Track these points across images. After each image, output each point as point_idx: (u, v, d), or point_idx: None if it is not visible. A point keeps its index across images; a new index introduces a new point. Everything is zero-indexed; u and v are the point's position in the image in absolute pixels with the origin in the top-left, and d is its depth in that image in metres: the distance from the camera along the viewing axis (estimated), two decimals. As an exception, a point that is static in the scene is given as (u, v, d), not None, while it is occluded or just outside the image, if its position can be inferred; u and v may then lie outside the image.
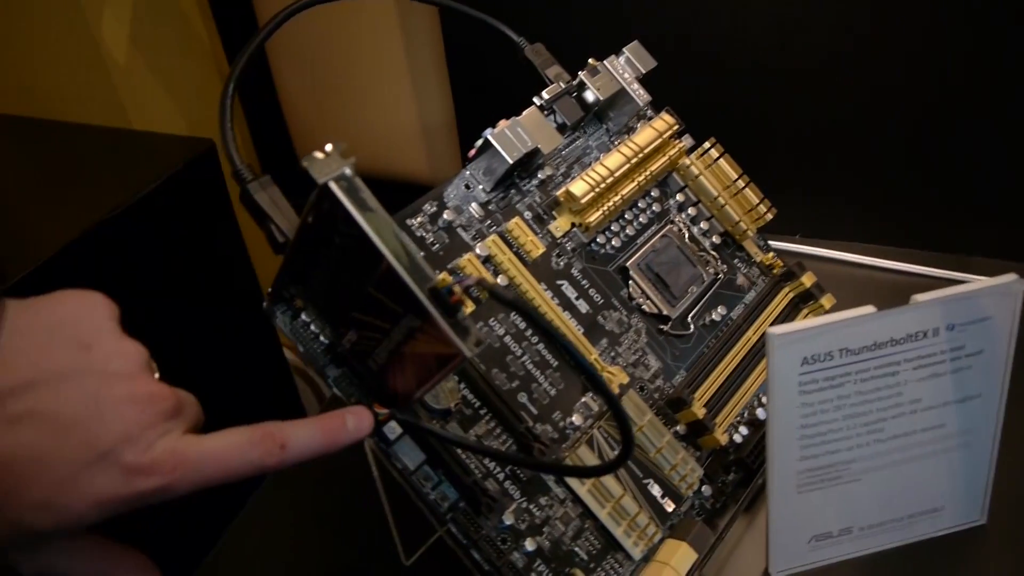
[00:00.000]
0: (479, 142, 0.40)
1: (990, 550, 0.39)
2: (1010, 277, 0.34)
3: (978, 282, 0.34)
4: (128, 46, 0.90)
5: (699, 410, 0.40)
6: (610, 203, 0.42)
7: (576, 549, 0.36)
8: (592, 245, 0.43)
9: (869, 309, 0.33)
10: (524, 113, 0.41)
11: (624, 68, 0.45)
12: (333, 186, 0.27)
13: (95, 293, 0.29)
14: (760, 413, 0.43)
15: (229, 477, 0.28)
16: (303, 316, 0.35)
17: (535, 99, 0.42)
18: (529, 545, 0.35)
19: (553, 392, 0.39)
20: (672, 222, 0.46)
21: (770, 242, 0.48)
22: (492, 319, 0.38)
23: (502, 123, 0.40)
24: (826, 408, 0.35)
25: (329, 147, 0.28)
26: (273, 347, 0.93)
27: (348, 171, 0.28)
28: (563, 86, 0.44)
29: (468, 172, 0.41)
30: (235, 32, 0.84)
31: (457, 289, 0.27)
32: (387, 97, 0.75)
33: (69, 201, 0.69)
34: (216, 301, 0.81)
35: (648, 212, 0.45)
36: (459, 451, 0.35)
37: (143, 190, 0.69)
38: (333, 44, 0.74)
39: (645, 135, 0.44)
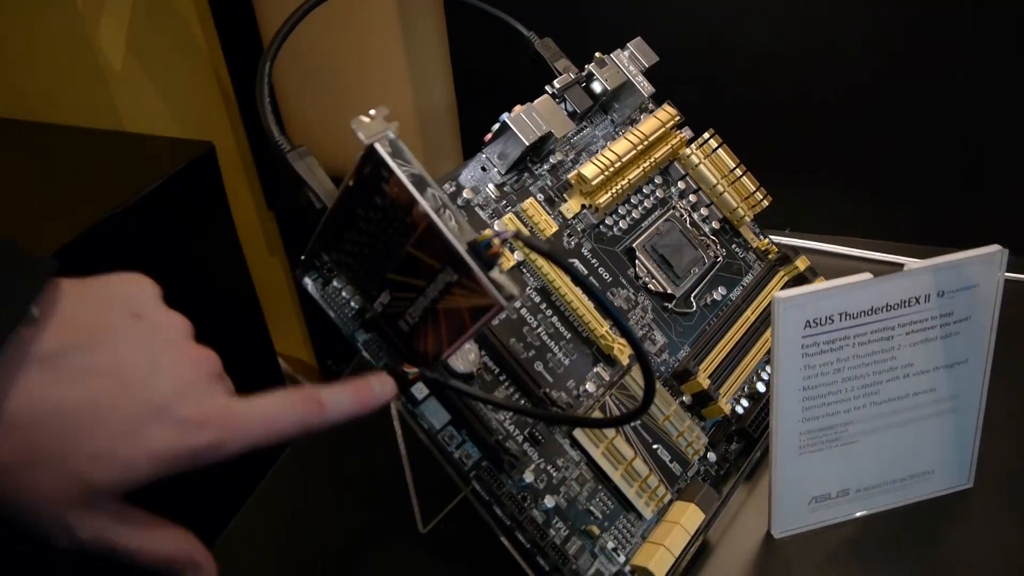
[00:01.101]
0: (495, 126, 0.42)
1: (976, 513, 0.42)
2: (994, 247, 0.36)
3: (965, 252, 0.36)
4: (125, 50, 0.91)
5: (704, 381, 0.42)
6: (618, 186, 0.45)
7: (591, 508, 0.38)
8: (601, 227, 0.45)
9: (866, 276, 0.36)
10: (538, 100, 0.43)
11: (628, 62, 0.48)
12: (378, 146, 0.29)
13: (141, 274, 0.31)
14: (760, 387, 0.45)
15: (275, 436, 0.30)
16: (334, 283, 0.36)
17: (547, 87, 0.45)
18: (548, 502, 0.37)
19: (567, 362, 0.40)
20: (674, 208, 0.48)
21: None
22: (509, 292, 0.40)
23: (518, 108, 0.42)
24: (826, 371, 0.37)
25: (374, 111, 0.30)
26: (267, 354, 0.94)
27: (392, 133, 0.30)
28: (573, 77, 0.46)
29: (484, 155, 0.43)
30: (235, 35, 0.86)
31: (495, 242, 0.29)
32: (386, 93, 0.77)
33: (68, 202, 0.70)
34: (212, 306, 0.82)
35: (652, 198, 0.48)
36: (482, 411, 0.37)
37: (143, 191, 0.71)
38: (333, 39, 0.76)
39: (649, 124, 0.47)
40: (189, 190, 0.76)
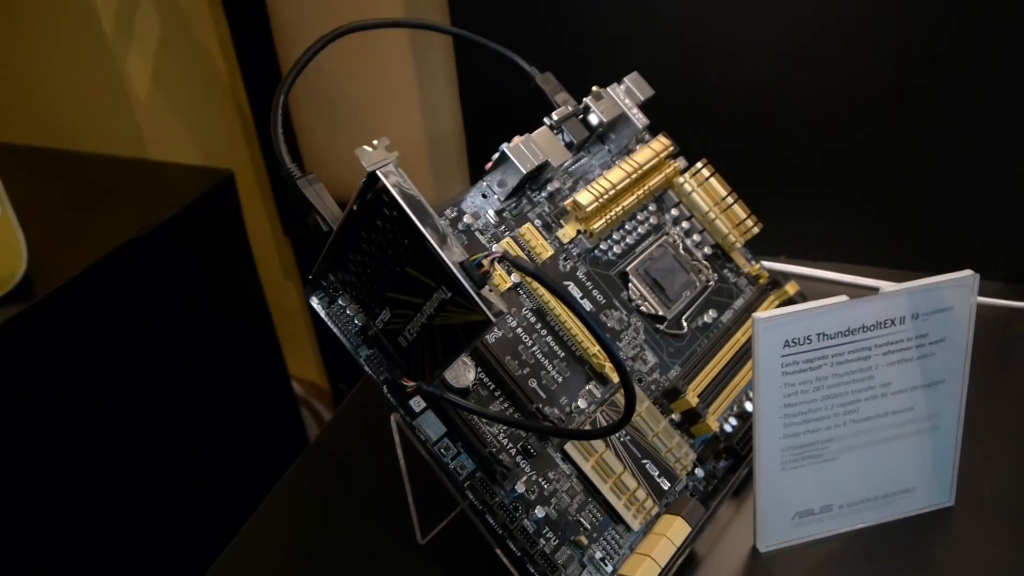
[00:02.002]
0: (495, 155, 0.45)
1: (958, 531, 0.43)
2: (966, 272, 0.38)
3: (939, 276, 0.38)
4: (150, 82, 0.95)
5: (693, 399, 0.44)
6: (612, 213, 0.47)
7: (581, 520, 0.40)
8: (596, 251, 0.47)
9: (843, 298, 0.38)
10: (536, 131, 0.46)
11: (624, 95, 0.50)
12: (380, 173, 0.32)
13: None
14: (748, 406, 0.47)
15: None
16: (339, 301, 0.39)
17: (545, 119, 0.47)
18: (539, 512, 0.39)
19: (560, 380, 0.42)
20: (668, 234, 0.50)
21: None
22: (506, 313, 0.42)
23: (516, 139, 0.45)
24: (806, 389, 0.39)
25: (376, 142, 0.32)
26: (281, 377, 0.96)
27: (392, 162, 0.32)
28: (570, 109, 0.48)
29: (485, 183, 0.45)
30: (256, 68, 0.90)
31: (485, 263, 0.31)
32: (398, 122, 0.80)
33: (93, 227, 0.73)
34: (228, 328, 0.85)
35: (646, 224, 0.50)
36: (476, 424, 0.39)
37: (164, 217, 0.74)
38: (349, 72, 0.80)
39: (643, 154, 0.49)
40: (208, 216, 0.80)
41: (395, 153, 0.32)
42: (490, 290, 0.32)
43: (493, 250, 0.31)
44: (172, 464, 0.75)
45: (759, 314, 0.37)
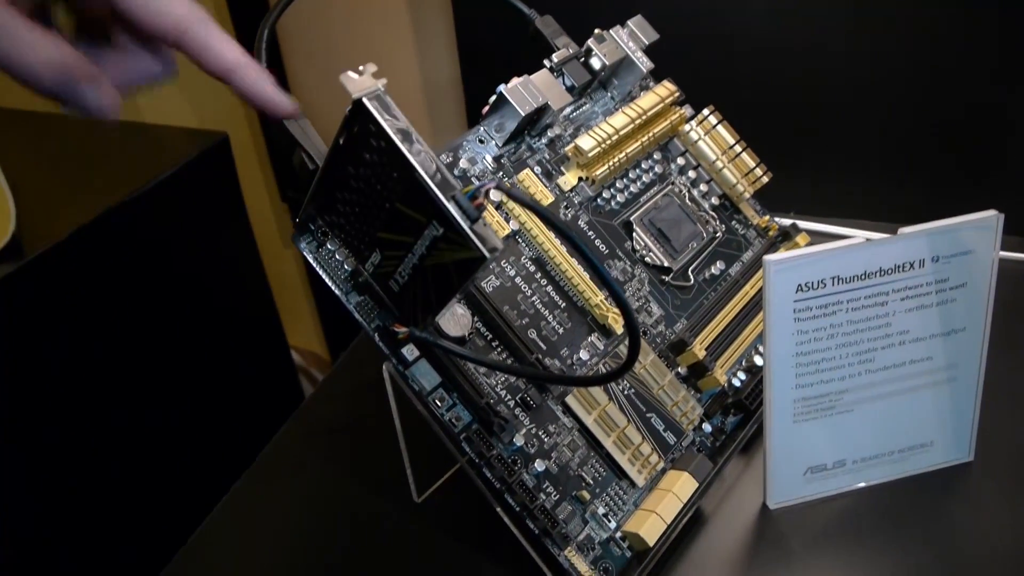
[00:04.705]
0: (493, 98, 0.43)
1: (976, 487, 0.41)
2: (989, 212, 0.36)
3: (960, 217, 0.36)
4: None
5: (699, 351, 0.42)
6: (615, 159, 0.45)
7: (583, 474, 0.38)
8: (598, 200, 0.45)
9: (859, 239, 0.35)
10: (536, 73, 0.44)
11: (628, 38, 0.48)
12: (366, 101, 0.30)
13: None
14: (758, 360, 0.45)
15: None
16: (328, 245, 0.37)
17: (545, 61, 0.45)
18: (539, 466, 0.37)
19: (561, 331, 0.41)
20: (673, 183, 0.48)
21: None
22: (504, 261, 0.40)
23: (515, 80, 0.43)
24: (820, 336, 0.37)
25: (362, 68, 0.30)
26: (280, 347, 0.95)
27: (381, 89, 0.30)
28: (571, 52, 0.46)
29: (482, 127, 0.43)
30: (250, 26, 0.87)
31: (479, 195, 0.29)
32: (394, 70, 0.78)
33: (86, 188, 0.71)
34: (225, 297, 0.83)
35: (651, 173, 0.48)
36: (473, 373, 0.37)
37: (158, 178, 0.72)
38: (343, 21, 0.77)
39: (648, 99, 0.47)
40: (202, 179, 0.78)
41: (383, 80, 0.30)
42: (484, 224, 0.30)
43: (486, 181, 0.29)
44: (169, 434, 0.74)
45: (771, 256, 0.35)
